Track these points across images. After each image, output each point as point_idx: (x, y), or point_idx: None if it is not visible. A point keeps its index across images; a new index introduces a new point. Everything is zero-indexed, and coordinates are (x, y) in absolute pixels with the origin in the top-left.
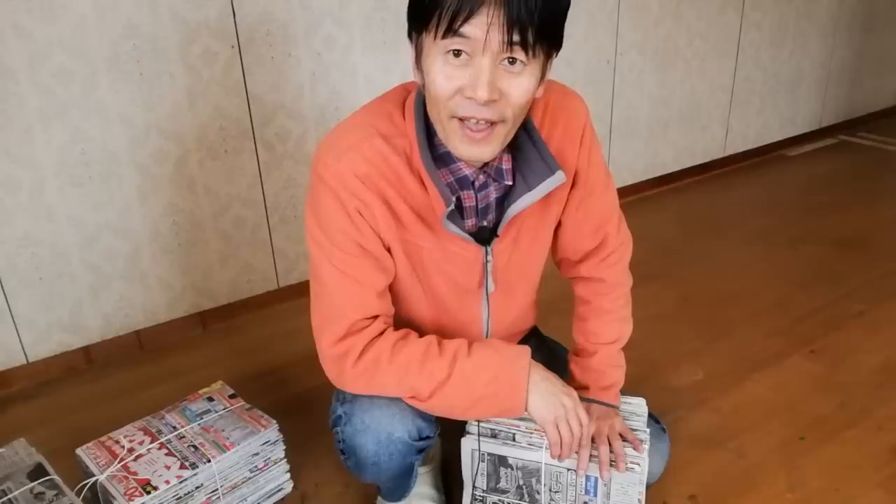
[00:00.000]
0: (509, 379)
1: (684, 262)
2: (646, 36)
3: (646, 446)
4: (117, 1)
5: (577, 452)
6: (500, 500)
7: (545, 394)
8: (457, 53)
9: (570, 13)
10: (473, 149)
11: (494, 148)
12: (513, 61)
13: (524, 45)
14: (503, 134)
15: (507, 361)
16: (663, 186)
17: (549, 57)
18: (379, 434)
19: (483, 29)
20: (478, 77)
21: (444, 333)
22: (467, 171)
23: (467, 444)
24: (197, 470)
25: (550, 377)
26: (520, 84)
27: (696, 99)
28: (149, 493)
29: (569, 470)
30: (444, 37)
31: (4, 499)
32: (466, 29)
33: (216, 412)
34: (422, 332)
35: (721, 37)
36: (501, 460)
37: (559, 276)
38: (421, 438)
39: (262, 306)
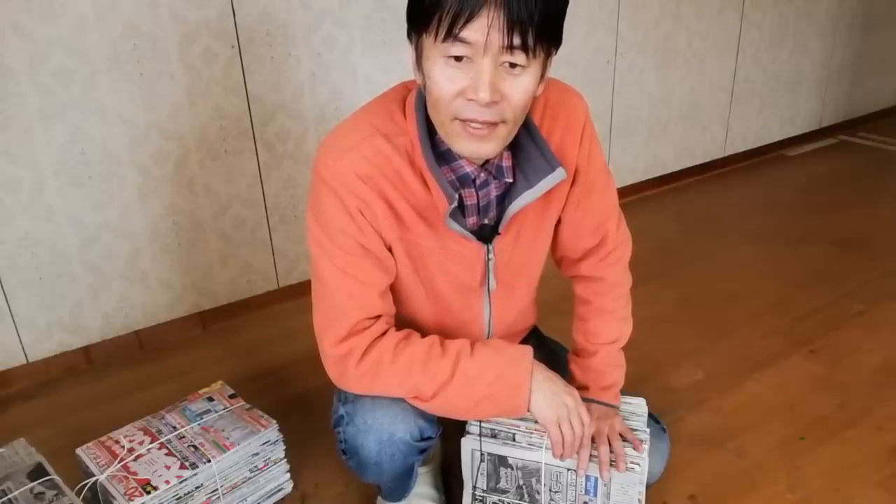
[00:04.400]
0: (512, 379)
1: (684, 262)
2: (646, 36)
3: (646, 446)
4: (117, 1)
5: (577, 452)
6: (500, 500)
7: (548, 393)
8: (458, 58)
9: (570, 13)
10: (475, 146)
11: (496, 145)
12: (513, 65)
13: (524, 47)
14: (504, 133)
15: (509, 361)
16: (663, 186)
17: (548, 55)
18: (381, 434)
19: (483, 32)
20: (479, 79)
21: (445, 333)
22: (468, 169)
23: (467, 444)
24: (197, 470)
25: (553, 377)
26: (520, 85)
27: (695, 99)
28: (149, 493)
29: (569, 470)
30: (444, 40)
31: (4, 499)
32: (466, 33)
33: (216, 412)
34: (423, 332)
35: (721, 37)
36: (501, 460)
37: (559, 276)
38: (423, 439)
39: (262, 306)
